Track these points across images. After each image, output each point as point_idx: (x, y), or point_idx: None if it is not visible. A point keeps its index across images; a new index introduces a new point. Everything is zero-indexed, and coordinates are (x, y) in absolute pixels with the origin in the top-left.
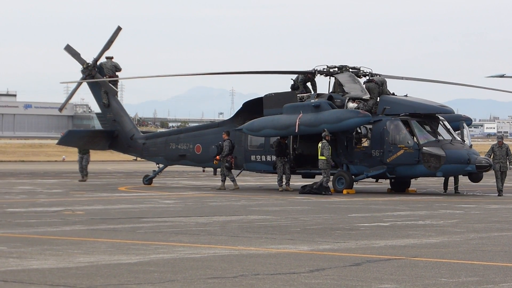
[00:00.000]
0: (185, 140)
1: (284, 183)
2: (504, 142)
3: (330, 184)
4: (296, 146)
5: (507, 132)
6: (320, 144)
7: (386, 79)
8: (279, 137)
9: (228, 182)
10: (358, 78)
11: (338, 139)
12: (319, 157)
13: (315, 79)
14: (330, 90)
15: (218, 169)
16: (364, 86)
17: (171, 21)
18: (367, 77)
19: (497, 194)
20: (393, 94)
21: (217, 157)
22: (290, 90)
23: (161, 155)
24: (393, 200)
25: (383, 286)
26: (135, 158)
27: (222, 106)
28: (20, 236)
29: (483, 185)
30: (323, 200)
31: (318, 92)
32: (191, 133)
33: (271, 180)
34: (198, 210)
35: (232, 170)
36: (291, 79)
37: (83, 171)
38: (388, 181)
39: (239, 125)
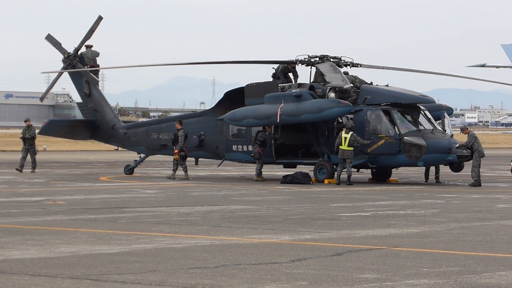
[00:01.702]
0: (166, 129)
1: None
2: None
3: (311, 173)
4: (278, 136)
5: (487, 121)
6: (346, 135)
7: (368, 69)
8: (264, 129)
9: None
10: (339, 68)
11: (319, 129)
12: (346, 148)
13: (297, 69)
14: (312, 80)
15: (202, 159)
16: (345, 76)
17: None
18: (348, 67)
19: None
20: (371, 83)
21: (176, 151)
22: (271, 79)
23: (143, 145)
24: (374, 190)
25: (364, 276)
26: (116, 147)
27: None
28: (1, 226)
29: (464, 175)
30: (304, 190)
31: (299, 82)
32: (172, 123)
33: (252, 170)
34: (179, 200)
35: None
36: (272, 67)
37: (33, 163)
38: (369, 170)
39: (220, 114)
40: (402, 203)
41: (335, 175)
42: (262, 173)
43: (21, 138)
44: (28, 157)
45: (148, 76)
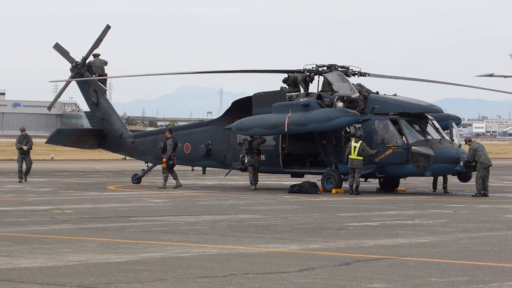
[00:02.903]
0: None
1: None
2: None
3: (318, 183)
4: (285, 145)
5: (495, 131)
6: (355, 144)
7: (376, 78)
8: (253, 137)
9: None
10: (347, 77)
11: (327, 138)
12: (355, 157)
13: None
14: (319, 89)
15: (209, 168)
16: (352, 85)
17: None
18: (356, 76)
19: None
20: (377, 92)
21: (164, 159)
22: (279, 88)
23: (150, 154)
24: (382, 200)
25: (373, 285)
26: (124, 157)
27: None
28: (9, 235)
29: (472, 185)
30: (312, 199)
31: (306, 91)
32: (179, 132)
33: (260, 179)
34: (187, 209)
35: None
36: (287, 73)
37: (24, 174)
38: (377, 180)
39: (228, 124)
40: (410, 213)
41: (349, 185)
42: (259, 182)
43: (18, 148)
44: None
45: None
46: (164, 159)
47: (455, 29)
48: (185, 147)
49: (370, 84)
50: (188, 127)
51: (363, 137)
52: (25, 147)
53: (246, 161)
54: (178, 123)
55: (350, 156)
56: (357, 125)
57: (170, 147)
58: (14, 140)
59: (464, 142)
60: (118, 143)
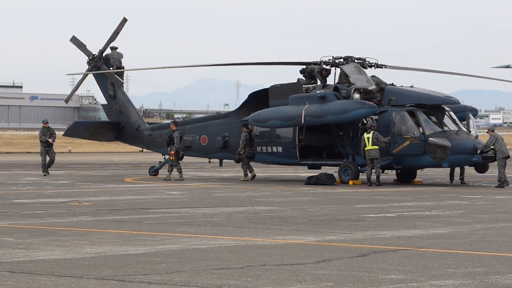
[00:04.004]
0: (190, 131)
1: (245, 174)
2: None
3: (335, 175)
4: (302, 137)
5: None
6: (368, 135)
7: (392, 70)
8: (247, 128)
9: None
10: (364, 69)
11: (344, 130)
12: (371, 147)
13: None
14: (336, 81)
15: (226, 160)
16: (369, 77)
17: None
18: (373, 68)
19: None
20: (392, 84)
21: (172, 152)
22: (296, 80)
23: (167, 147)
24: (399, 191)
25: (390, 276)
26: (141, 149)
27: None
28: (27, 227)
29: (489, 176)
30: (328, 191)
31: (323, 83)
32: (196, 124)
33: (277, 171)
34: (204, 201)
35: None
36: (305, 64)
37: (47, 166)
38: (394, 171)
39: (244, 116)
40: (427, 204)
41: (367, 177)
42: (276, 174)
43: (44, 141)
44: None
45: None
46: (172, 152)
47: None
48: (202, 139)
49: (386, 76)
50: (205, 120)
51: (374, 127)
52: (50, 140)
53: (243, 152)
54: (195, 115)
55: (366, 148)
56: (374, 117)
57: (177, 139)
58: (32, 133)
59: (486, 131)
60: (135, 135)
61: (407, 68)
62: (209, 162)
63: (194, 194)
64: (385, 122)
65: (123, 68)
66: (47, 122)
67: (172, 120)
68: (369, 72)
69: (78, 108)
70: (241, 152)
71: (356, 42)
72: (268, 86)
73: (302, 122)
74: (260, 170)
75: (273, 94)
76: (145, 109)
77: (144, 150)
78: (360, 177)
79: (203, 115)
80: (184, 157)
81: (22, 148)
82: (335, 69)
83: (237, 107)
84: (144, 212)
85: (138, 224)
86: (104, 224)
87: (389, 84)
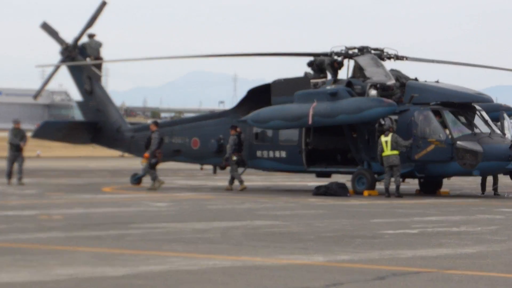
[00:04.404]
0: (180, 133)
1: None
2: None
3: (348, 184)
4: (309, 140)
5: None
6: (386, 138)
7: (415, 62)
8: (236, 131)
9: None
10: (382, 61)
11: (358, 132)
12: (390, 152)
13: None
14: (349, 75)
15: (223, 167)
16: (388, 70)
17: None
18: (392, 60)
19: None
20: (416, 79)
21: (146, 154)
22: (303, 74)
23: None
24: (423, 203)
25: None
26: (122, 153)
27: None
28: None
29: None
30: (340, 203)
31: (334, 77)
32: (187, 125)
33: (280, 179)
34: (195, 215)
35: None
36: (314, 56)
37: (18, 173)
38: (416, 181)
39: (243, 115)
40: (455, 218)
41: (384, 187)
42: (279, 183)
43: (15, 145)
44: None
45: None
46: (146, 155)
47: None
48: (193, 142)
49: (408, 69)
50: (196, 119)
51: (392, 129)
52: (22, 144)
53: (232, 159)
54: (185, 114)
55: (383, 154)
56: (393, 117)
57: (156, 141)
58: None
59: None
60: (115, 137)
61: (432, 61)
62: (201, 169)
63: (184, 206)
64: (406, 123)
65: (102, 59)
66: (19, 123)
67: (153, 120)
68: (388, 65)
69: (48, 105)
70: (228, 158)
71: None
72: (270, 81)
73: (310, 122)
74: (261, 178)
75: (276, 90)
76: (127, 107)
77: (125, 154)
78: (376, 186)
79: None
80: (173, 163)
81: None
82: (348, 61)
83: (234, 105)
84: (124, 227)
85: (117, 241)
86: (78, 241)
87: (411, 79)
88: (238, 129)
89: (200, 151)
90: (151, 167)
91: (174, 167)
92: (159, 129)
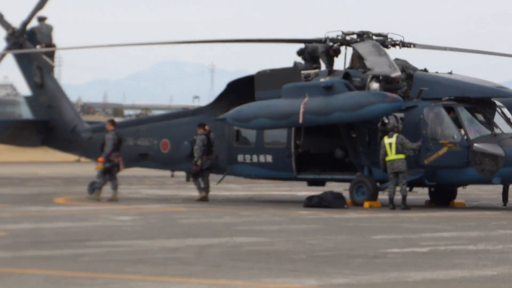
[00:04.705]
0: (147, 133)
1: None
2: None
3: (346, 194)
4: (300, 142)
5: None
6: (389, 140)
7: (424, 50)
8: (204, 130)
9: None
10: (385, 49)
11: (357, 132)
12: (396, 157)
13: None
14: (347, 65)
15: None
16: (392, 60)
17: None
18: (397, 47)
19: None
20: (425, 70)
21: (100, 159)
22: (293, 65)
23: None
24: (434, 217)
25: None
26: (78, 158)
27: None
28: None
29: None
30: (336, 216)
31: (330, 68)
32: (155, 124)
33: (265, 188)
34: (165, 230)
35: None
36: (305, 42)
37: None
38: (426, 190)
39: (221, 112)
40: (472, 234)
41: (389, 197)
42: (263, 192)
43: None
44: None
45: (123, 61)
46: (100, 159)
47: None
48: (162, 144)
49: (416, 58)
50: (166, 118)
51: (397, 129)
52: None
53: (200, 163)
54: (153, 111)
55: (387, 158)
56: (399, 115)
57: (110, 143)
58: None
59: None
60: (70, 139)
61: (445, 48)
62: (172, 176)
63: (151, 221)
64: (414, 122)
65: (55, 46)
66: None
67: (109, 119)
68: (392, 53)
69: None
70: (197, 162)
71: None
72: (254, 72)
73: (300, 121)
74: (242, 187)
75: (261, 83)
76: (84, 102)
77: (82, 159)
78: (379, 197)
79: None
80: (139, 169)
81: None
82: (346, 48)
83: (211, 100)
84: (80, 245)
85: (72, 262)
86: (26, 262)
87: (420, 70)
88: (206, 127)
89: (171, 155)
90: (105, 173)
91: (140, 174)
92: (120, 129)
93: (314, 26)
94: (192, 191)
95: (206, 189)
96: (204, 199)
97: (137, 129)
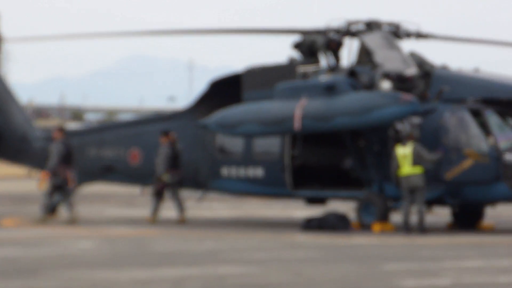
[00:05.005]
0: (112, 142)
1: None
2: None
3: (352, 214)
4: (296, 153)
5: None
6: (404, 150)
7: (443, 43)
8: (168, 139)
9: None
10: (398, 41)
11: (365, 141)
12: (412, 171)
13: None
14: (352, 61)
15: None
16: (407, 54)
17: None
18: (412, 38)
19: None
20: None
21: (44, 173)
22: (288, 61)
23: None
24: (457, 242)
25: None
26: (29, 171)
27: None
28: None
29: None
30: (341, 241)
31: (332, 64)
32: (122, 131)
33: (255, 208)
34: (134, 259)
35: (173, 193)
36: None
37: None
38: (448, 210)
39: (202, 117)
40: (502, 264)
41: (403, 219)
42: (248, 211)
43: None
44: None
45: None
46: (44, 173)
47: None
48: (131, 155)
49: (435, 52)
50: (136, 123)
51: (413, 137)
52: None
53: (166, 178)
54: (119, 115)
55: (401, 172)
56: (415, 120)
57: (56, 154)
58: None
59: None
60: (19, 148)
61: (469, 40)
62: (143, 192)
63: (118, 247)
64: (433, 128)
65: (1, 38)
66: None
67: (58, 126)
68: (406, 45)
69: None
70: (162, 178)
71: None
72: (241, 69)
73: (297, 127)
74: (227, 206)
75: (250, 82)
76: (37, 105)
77: (34, 172)
78: (392, 218)
79: (133, 116)
80: (103, 185)
81: None
82: (351, 41)
83: (190, 103)
84: (32, 276)
85: None
86: None
87: (439, 67)
88: (170, 136)
89: (142, 168)
90: (52, 191)
91: (104, 191)
92: (79, 137)
93: (314, 14)
94: (168, 209)
95: (181, 209)
96: (152, 221)
97: (100, 137)
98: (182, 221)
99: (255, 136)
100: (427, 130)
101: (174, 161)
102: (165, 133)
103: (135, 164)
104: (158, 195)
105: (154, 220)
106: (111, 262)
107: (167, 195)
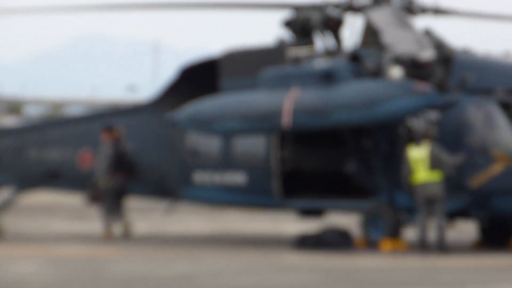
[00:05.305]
0: (58, 141)
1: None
2: None
3: (354, 229)
4: (286, 155)
5: None
6: (417, 151)
7: (467, 21)
8: (111, 135)
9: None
10: (410, 18)
11: (371, 141)
12: (429, 178)
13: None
14: (355, 42)
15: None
16: (422, 34)
17: None
18: (428, 15)
19: None
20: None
21: None
22: (276, 41)
23: (10, 172)
24: (485, 264)
25: None
26: None
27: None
28: None
29: None
30: (342, 262)
31: (330, 46)
32: (71, 128)
33: (236, 221)
34: (88, 285)
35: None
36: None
37: None
38: (473, 225)
39: (170, 110)
40: None
41: (419, 235)
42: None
43: None
44: None
45: (23, 37)
46: None
47: None
48: (81, 157)
49: (455, 32)
50: (88, 119)
51: (429, 136)
52: None
53: (104, 183)
54: (67, 109)
55: (415, 178)
56: (432, 115)
57: None
58: None
59: None
60: None
61: (497, 17)
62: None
63: (68, 271)
64: (454, 125)
65: None
66: None
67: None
68: (421, 24)
69: None
70: (97, 183)
71: None
72: (218, 53)
73: (287, 124)
74: (203, 218)
75: (229, 68)
76: None
77: None
78: (405, 234)
79: (84, 109)
80: (46, 192)
81: None
82: (354, 18)
83: (155, 93)
84: None
85: None
86: None
87: (461, 50)
88: (115, 133)
89: (94, 173)
90: None
91: (48, 201)
92: (16, 135)
93: None
94: (139, 222)
95: (123, 219)
96: (108, 237)
97: (44, 135)
98: (127, 235)
99: (235, 135)
100: (447, 127)
101: (117, 163)
102: (109, 129)
103: (86, 168)
104: (109, 205)
105: (109, 236)
106: None
107: (107, 203)
